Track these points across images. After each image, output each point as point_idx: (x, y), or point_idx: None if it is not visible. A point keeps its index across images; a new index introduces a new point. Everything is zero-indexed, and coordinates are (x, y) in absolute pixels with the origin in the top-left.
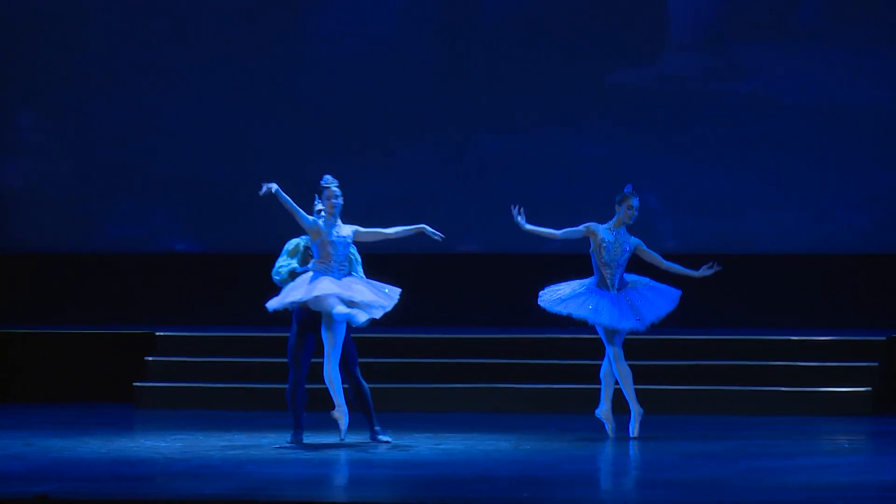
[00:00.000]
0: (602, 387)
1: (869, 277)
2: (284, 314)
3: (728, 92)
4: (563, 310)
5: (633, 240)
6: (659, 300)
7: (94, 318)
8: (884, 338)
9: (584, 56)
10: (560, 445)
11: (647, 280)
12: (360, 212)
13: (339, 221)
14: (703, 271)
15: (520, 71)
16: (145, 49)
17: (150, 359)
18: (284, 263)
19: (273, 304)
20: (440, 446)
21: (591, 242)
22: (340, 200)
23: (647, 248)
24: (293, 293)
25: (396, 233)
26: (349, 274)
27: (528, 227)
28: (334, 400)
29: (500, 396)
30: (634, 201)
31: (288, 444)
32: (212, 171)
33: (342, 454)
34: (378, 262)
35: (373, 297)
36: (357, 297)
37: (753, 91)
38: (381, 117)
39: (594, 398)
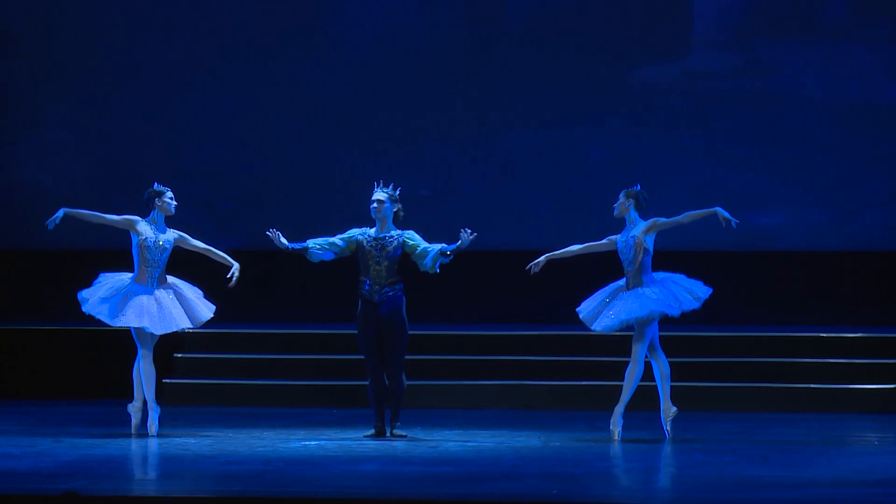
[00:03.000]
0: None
1: None
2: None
3: (754, 89)
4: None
5: (636, 230)
6: (635, 302)
7: None
8: None
9: (609, 53)
10: (590, 443)
11: (669, 281)
12: None
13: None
14: (720, 209)
15: (546, 68)
16: (169, 47)
17: (179, 355)
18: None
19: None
20: (469, 443)
21: None
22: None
23: (665, 218)
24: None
25: (218, 255)
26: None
27: (547, 256)
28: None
29: (529, 393)
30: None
31: (364, 437)
32: (238, 167)
33: (371, 451)
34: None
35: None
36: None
37: (779, 88)
38: (405, 114)
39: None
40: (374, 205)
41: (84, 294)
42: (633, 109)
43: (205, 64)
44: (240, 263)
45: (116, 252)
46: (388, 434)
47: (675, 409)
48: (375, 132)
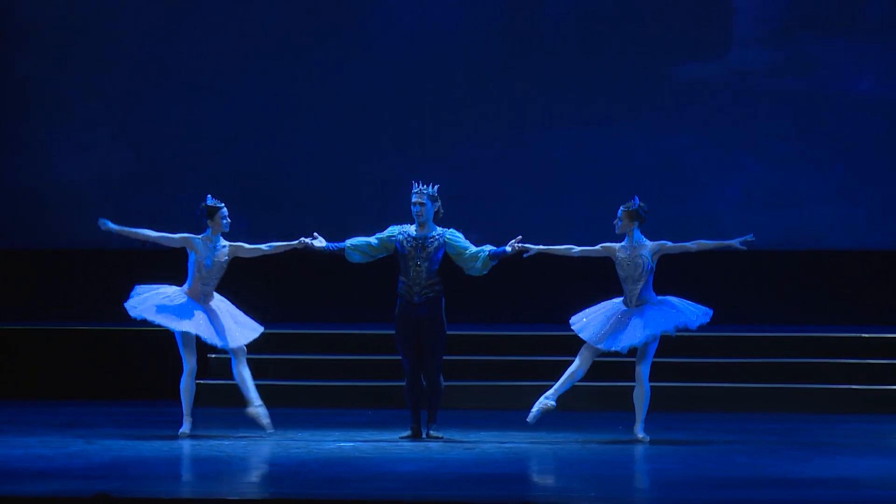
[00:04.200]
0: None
1: None
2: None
3: (796, 86)
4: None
5: (644, 251)
6: (661, 316)
7: None
8: None
9: (649, 50)
10: (628, 444)
11: (672, 300)
12: None
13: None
14: (739, 243)
15: (584, 65)
16: (203, 45)
17: (213, 356)
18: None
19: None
20: (506, 444)
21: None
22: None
23: (673, 243)
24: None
25: (274, 248)
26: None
27: (538, 248)
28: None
29: (567, 394)
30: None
31: (400, 438)
32: (272, 167)
33: (407, 452)
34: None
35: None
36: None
37: (821, 84)
38: (441, 113)
39: (664, 396)
40: (417, 208)
41: (133, 302)
42: (673, 107)
43: (239, 63)
44: (274, 265)
45: (156, 253)
46: (424, 436)
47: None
48: (411, 132)
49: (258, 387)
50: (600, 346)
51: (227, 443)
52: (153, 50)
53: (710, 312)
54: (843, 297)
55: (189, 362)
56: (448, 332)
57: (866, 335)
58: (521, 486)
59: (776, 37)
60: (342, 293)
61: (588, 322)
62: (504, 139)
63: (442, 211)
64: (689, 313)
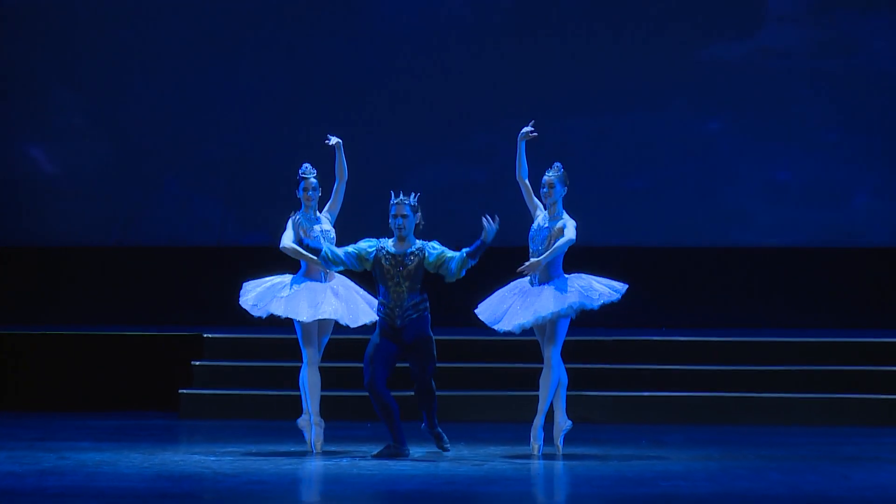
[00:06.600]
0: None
1: None
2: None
3: (834, 68)
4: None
5: (559, 222)
6: (550, 298)
7: (135, 319)
8: None
9: (674, 29)
10: (653, 460)
11: (579, 274)
12: (433, 197)
13: (319, 215)
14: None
15: (603, 46)
16: (190, 24)
17: (197, 363)
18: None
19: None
20: (518, 460)
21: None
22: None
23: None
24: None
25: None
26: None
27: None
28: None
29: (585, 404)
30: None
31: (372, 456)
32: (265, 156)
33: (408, 469)
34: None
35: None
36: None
37: (861, 67)
38: (451, 98)
39: (687, 407)
40: (399, 221)
41: (248, 299)
42: (699, 91)
43: (226, 43)
44: (264, 263)
45: (127, 249)
46: (440, 445)
47: (570, 422)
48: (419, 118)
49: (254, 397)
50: (496, 328)
51: (212, 458)
52: (132, 30)
53: (623, 289)
54: (886, 299)
55: (309, 353)
56: (454, 338)
57: None
58: None
59: (813, 14)
60: None
61: (489, 302)
62: (519, 125)
63: (422, 223)
64: (590, 291)
